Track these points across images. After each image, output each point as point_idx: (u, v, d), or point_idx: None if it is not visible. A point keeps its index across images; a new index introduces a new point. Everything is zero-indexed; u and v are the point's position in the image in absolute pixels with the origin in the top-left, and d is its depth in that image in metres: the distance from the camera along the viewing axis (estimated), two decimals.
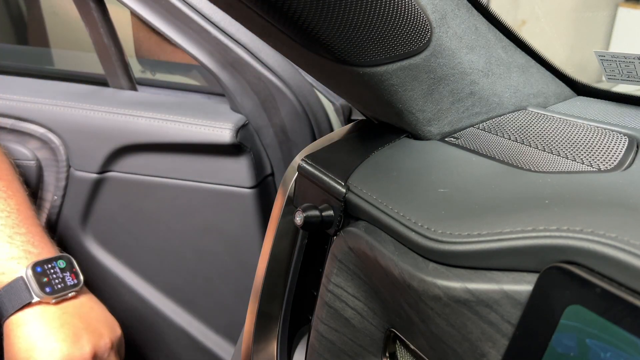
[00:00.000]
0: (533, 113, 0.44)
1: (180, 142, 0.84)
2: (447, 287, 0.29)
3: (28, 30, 1.62)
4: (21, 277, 0.52)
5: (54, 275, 0.54)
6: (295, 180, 0.45)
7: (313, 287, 0.43)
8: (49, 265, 0.54)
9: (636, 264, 0.23)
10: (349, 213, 0.38)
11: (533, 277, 0.26)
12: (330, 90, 0.67)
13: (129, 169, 0.88)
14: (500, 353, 0.27)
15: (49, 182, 0.88)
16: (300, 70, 0.84)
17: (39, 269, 0.53)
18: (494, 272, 0.28)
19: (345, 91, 0.46)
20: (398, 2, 0.33)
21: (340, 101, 0.88)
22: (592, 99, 0.49)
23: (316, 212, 0.39)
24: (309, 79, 0.85)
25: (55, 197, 0.87)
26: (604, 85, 0.48)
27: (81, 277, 0.59)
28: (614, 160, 0.35)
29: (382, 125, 0.46)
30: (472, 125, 0.44)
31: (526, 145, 0.39)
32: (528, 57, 0.45)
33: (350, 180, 0.38)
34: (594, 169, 0.34)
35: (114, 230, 0.89)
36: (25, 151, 0.90)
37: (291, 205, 0.46)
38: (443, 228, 0.30)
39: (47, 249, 0.58)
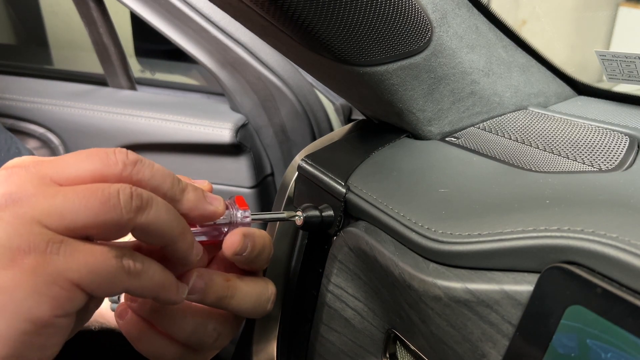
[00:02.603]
0: (534, 113, 0.44)
1: (180, 142, 0.84)
2: (447, 287, 0.29)
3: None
4: None
5: None
6: (295, 180, 0.45)
7: (313, 288, 0.43)
8: None
9: (637, 264, 0.23)
10: (349, 213, 0.38)
11: (534, 278, 0.26)
12: (330, 90, 0.67)
13: None
14: (500, 353, 0.27)
15: None
16: (300, 70, 0.84)
17: None
18: (494, 273, 0.28)
19: (345, 91, 0.45)
20: (398, 1, 0.33)
21: (340, 101, 0.88)
22: (592, 98, 0.49)
23: (316, 212, 0.39)
24: (309, 79, 0.85)
25: None
26: (605, 84, 0.48)
27: None
28: (615, 160, 0.35)
29: (382, 125, 0.46)
30: (473, 125, 0.44)
31: (527, 145, 0.39)
32: (529, 57, 0.45)
33: (350, 180, 0.38)
34: (595, 169, 0.34)
35: None
36: None
37: (291, 205, 0.46)
38: (443, 228, 0.30)
39: None
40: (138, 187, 0.27)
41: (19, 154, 0.61)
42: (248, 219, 0.34)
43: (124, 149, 0.28)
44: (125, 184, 0.26)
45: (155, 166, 0.29)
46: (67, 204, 0.24)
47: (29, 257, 0.23)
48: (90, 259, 0.25)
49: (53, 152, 0.91)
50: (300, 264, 0.48)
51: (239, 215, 0.34)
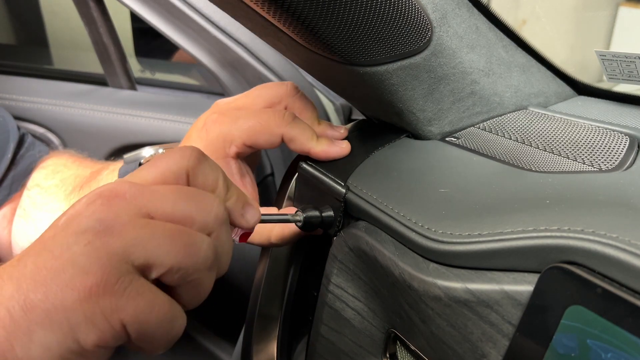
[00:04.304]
0: (534, 113, 0.44)
1: (179, 142, 0.84)
2: (447, 287, 0.29)
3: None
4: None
5: None
6: (295, 181, 0.45)
7: (313, 288, 0.43)
8: None
9: (637, 264, 0.23)
10: (349, 213, 0.38)
11: (534, 278, 0.26)
12: (330, 90, 0.67)
13: None
14: (500, 354, 0.27)
15: None
16: (300, 70, 0.84)
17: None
18: (494, 273, 0.28)
19: (345, 91, 0.45)
20: (398, 1, 0.33)
21: (340, 101, 0.87)
22: (593, 98, 0.49)
23: (316, 213, 0.39)
24: (309, 78, 0.85)
25: None
26: (605, 84, 0.48)
27: None
28: (615, 160, 0.35)
29: (382, 125, 0.46)
30: (473, 125, 0.44)
31: (527, 145, 0.39)
32: (529, 57, 0.45)
33: (350, 181, 0.38)
34: (595, 169, 0.34)
35: None
36: None
37: (291, 205, 0.46)
38: (443, 228, 0.30)
39: None
40: (217, 244, 0.29)
41: (4, 123, 0.60)
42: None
43: (222, 203, 0.30)
44: (209, 239, 0.28)
45: (227, 236, 0.30)
46: (152, 240, 0.26)
47: (98, 288, 0.25)
48: (146, 310, 0.26)
49: (61, 150, 0.91)
50: (300, 264, 0.48)
51: None
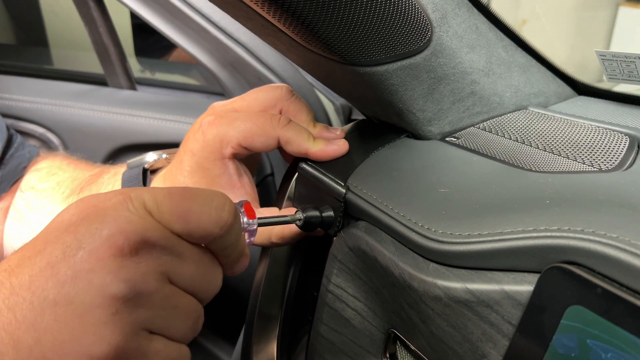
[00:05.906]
0: (534, 113, 0.44)
1: (180, 142, 0.84)
2: (447, 287, 0.29)
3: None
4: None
5: None
6: (295, 181, 0.45)
7: (313, 288, 0.43)
8: None
9: (637, 264, 0.23)
10: (349, 213, 0.38)
11: (534, 278, 0.26)
12: (330, 90, 0.67)
13: None
14: (500, 354, 0.27)
15: None
16: (300, 70, 0.84)
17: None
18: (494, 273, 0.28)
19: (345, 91, 0.45)
20: (398, 1, 0.33)
21: (340, 101, 0.87)
22: (593, 98, 0.49)
23: (316, 213, 0.39)
24: (309, 78, 0.85)
25: None
26: (605, 84, 0.48)
27: None
28: (615, 160, 0.35)
29: (382, 125, 0.46)
30: (473, 125, 0.44)
31: (527, 145, 0.39)
32: (529, 57, 0.45)
33: (350, 181, 0.38)
34: (595, 169, 0.34)
35: None
36: None
37: (291, 205, 0.46)
38: (443, 228, 0.30)
39: None
40: None
41: None
42: (254, 227, 0.35)
43: (221, 283, 0.32)
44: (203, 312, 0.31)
45: None
46: (173, 317, 0.28)
47: (115, 358, 0.26)
48: None
49: (53, 151, 0.91)
50: (300, 264, 0.48)
51: (245, 220, 0.35)
